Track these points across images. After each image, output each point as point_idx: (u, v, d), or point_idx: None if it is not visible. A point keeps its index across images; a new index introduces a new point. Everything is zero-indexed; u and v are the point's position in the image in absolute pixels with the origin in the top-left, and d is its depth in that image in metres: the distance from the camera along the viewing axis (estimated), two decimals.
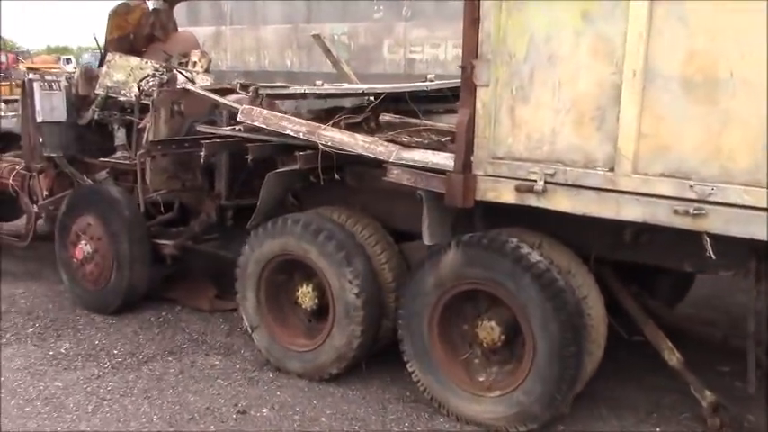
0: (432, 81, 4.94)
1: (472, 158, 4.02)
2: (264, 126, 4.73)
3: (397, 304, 4.72)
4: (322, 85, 5.06)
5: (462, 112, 4.00)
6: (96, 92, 6.82)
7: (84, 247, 6.21)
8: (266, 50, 9.06)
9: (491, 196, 4.00)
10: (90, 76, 6.98)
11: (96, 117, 6.76)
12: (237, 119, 4.80)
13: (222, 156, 6.28)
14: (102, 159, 6.80)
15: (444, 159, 4.20)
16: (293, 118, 4.71)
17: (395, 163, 4.34)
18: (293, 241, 4.79)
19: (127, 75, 6.94)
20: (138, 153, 5.95)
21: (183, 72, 6.79)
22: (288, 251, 4.85)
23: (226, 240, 6.88)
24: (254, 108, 4.78)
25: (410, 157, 4.30)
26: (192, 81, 6.88)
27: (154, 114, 6.03)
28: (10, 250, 8.04)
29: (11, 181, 7.26)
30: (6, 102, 9.01)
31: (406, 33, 8.04)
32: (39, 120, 6.71)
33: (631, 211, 3.60)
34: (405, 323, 4.42)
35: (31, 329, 5.90)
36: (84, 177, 6.82)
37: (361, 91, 4.84)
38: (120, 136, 6.90)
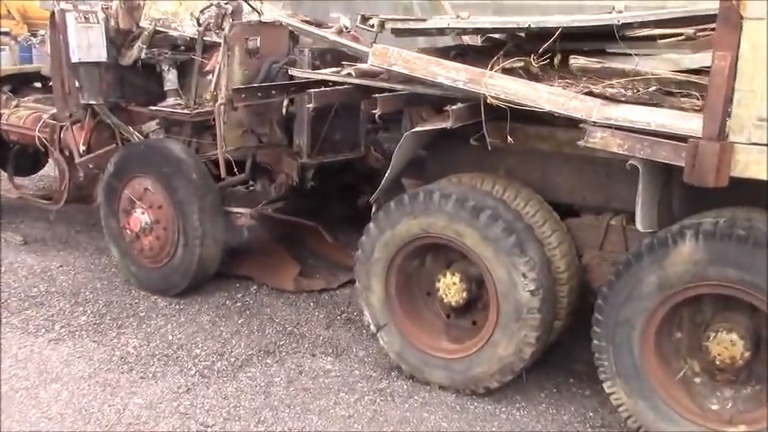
0: (620, 12, 3.82)
1: (728, 120, 2.95)
2: (407, 71, 3.60)
3: (566, 299, 3.77)
4: (468, 17, 3.92)
5: (720, 56, 2.90)
6: (141, 25, 5.59)
7: (140, 217, 5.12)
8: None
9: (754, 172, 2.95)
10: (132, 7, 5.74)
11: (143, 56, 5.56)
12: (369, 61, 3.67)
13: (303, 105, 5.19)
14: (152, 108, 5.63)
15: (674, 119, 3.14)
16: (446, 62, 3.58)
17: (598, 123, 3.25)
18: (442, 221, 3.73)
19: (177, 4, 5.70)
20: (217, 103, 4.79)
21: (249, 1, 5.58)
22: (432, 233, 3.80)
23: (300, 204, 5.83)
24: (392, 48, 3.64)
25: (621, 116, 3.22)
26: (259, 12, 5.69)
27: (227, 54, 4.88)
28: (29, 210, 6.94)
29: (37, 132, 6.09)
30: None
31: None
32: (74, 59, 5.48)
33: None
34: (605, 333, 3.40)
35: (84, 318, 4.84)
36: (131, 129, 5.66)
37: (527, 25, 3.73)
38: (171, 79, 5.71)
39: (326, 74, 4.35)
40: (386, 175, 4.16)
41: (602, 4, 6.40)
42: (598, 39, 3.85)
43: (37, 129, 6.09)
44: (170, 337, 4.57)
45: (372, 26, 3.98)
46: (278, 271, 5.36)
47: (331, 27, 5.42)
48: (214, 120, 5.26)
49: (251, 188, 5.53)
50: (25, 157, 7.17)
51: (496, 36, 4.61)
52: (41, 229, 6.68)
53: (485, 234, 3.62)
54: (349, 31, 5.46)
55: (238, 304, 5.04)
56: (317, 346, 4.46)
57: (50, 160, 7.78)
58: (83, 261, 5.88)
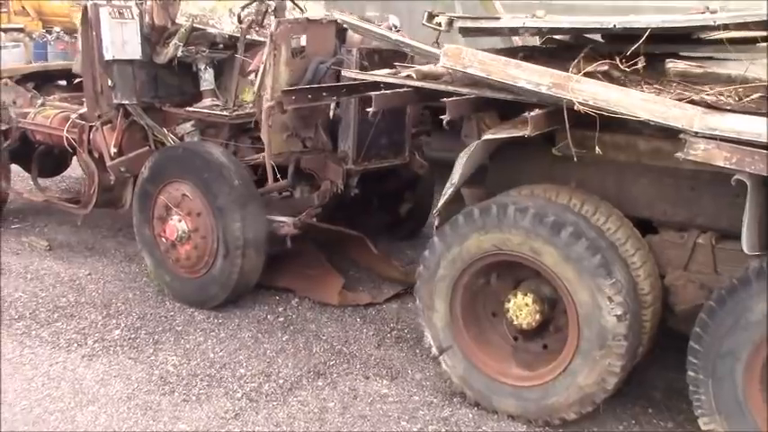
0: (715, 12, 3.51)
1: None
2: (483, 74, 3.30)
3: (649, 323, 3.47)
4: (544, 16, 3.62)
5: None
6: (178, 22, 5.30)
7: (177, 225, 4.82)
8: None
9: None
10: (167, 2, 5.46)
11: (180, 54, 5.27)
12: (441, 63, 3.36)
13: (349, 107, 4.92)
14: (188, 109, 5.34)
15: None
16: (527, 64, 3.28)
17: (700, 134, 2.95)
18: (518, 237, 3.43)
19: (215, 0, 5.42)
20: (265, 105, 4.50)
21: None
22: (505, 250, 3.50)
23: (337, 211, 5.52)
24: (465, 49, 3.34)
25: (728, 126, 2.91)
26: (302, 9, 5.41)
27: (273, 53, 4.59)
28: (52, 213, 6.69)
29: (65, 133, 5.82)
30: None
31: None
32: (108, 57, 5.21)
33: None
34: (704, 365, 3.09)
35: (117, 332, 4.56)
36: (165, 131, 5.37)
37: (611, 26, 3.43)
38: (208, 78, 5.43)
39: (384, 76, 4.05)
40: (448, 184, 3.84)
41: (660, 4, 6.14)
42: (682, 41, 3.56)
43: (65, 129, 5.83)
44: (211, 355, 4.28)
45: (439, 24, 3.68)
46: (321, 284, 5.06)
47: (380, 26, 5.14)
48: (254, 122, 5.00)
49: (285, 195, 5.25)
50: (49, 158, 6.91)
51: (558, 37, 4.33)
52: (66, 233, 6.42)
53: (566, 253, 3.32)
54: (398, 30, 5.18)
55: (281, 319, 4.75)
56: (369, 367, 4.16)
57: (75, 161, 7.56)
58: (112, 269, 5.60)
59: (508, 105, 3.66)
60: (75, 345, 4.40)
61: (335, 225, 5.43)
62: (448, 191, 3.83)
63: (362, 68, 4.78)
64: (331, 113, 4.88)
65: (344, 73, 4.26)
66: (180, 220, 4.81)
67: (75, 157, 7.43)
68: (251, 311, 4.83)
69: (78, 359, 4.23)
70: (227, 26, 5.37)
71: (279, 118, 4.64)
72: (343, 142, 5.02)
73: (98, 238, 6.31)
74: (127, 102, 5.33)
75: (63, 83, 7.45)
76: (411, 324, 4.68)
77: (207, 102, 5.38)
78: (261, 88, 4.71)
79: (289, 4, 5.30)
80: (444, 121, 3.55)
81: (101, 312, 4.83)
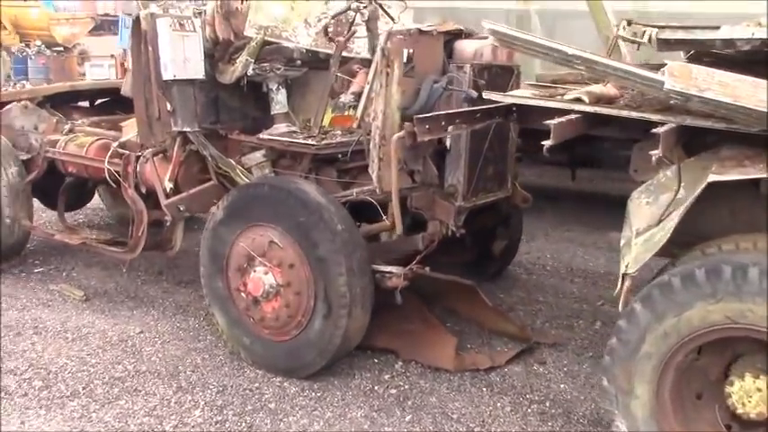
0: None
1: None
2: (728, 100, 2.55)
3: None
4: None
5: None
6: (246, 35, 4.51)
7: (263, 278, 4.00)
8: None
9: None
10: (229, 11, 4.66)
11: (250, 72, 4.47)
12: (667, 85, 2.61)
13: (460, 135, 4.18)
14: (261, 136, 4.54)
15: None
16: None
17: None
18: (764, 309, 2.66)
19: (288, 8, 4.63)
20: (395, 135, 3.70)
21: (384, 6, 4.53)
22: (743, 324, 2.73)
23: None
24: (695, 67, 2.60)
25: None
26: (394, 19, 4.65)
27: (386, 71, 3.81)
28: (76, 253, 5.86)
29: (106, 164, 4.98)
30: None
31: None
32: (167, 77, 4.40)
33: None
34: None
35: (198, 413, 3.71)
36: (233, 163, 4.55)
37: None
38: (281, 100, 4.67)
39: (541, 98, 3.29)
40: (629, 232, 3.08)
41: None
42: None
43: (106, 160, 4.99)
44: None
45: (635, 34, 2.92)
46: (430, 344, 4.26)
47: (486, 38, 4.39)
48: (350, 153, 4.24)
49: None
50: (73, 190, 6.08)
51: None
52: (100, 278, 5.59)
53: None
54: None
55: (392, 390, 3.94)
56: None
57: (97, 193, 6.74)
58: (166, 324, 4.76)
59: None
60: None
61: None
62: (633, 242, 3.06)
63: (476, 87, 4.07)
64: (447, 143, 4.11)
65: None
66: (266, 273, 3.99)
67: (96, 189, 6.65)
68: (352, 381, 4.02)
69: None
70: (303, 39, 4.60)
71: (389, 149, 3.86)
72: (451, 175, 4.28)
73: (138, 283, 5.48)
74: (188, 129, 4.51)
75: (85, 104, 6.66)
76: (547, 394, 3.93)
77: (281, 128, 4.60)
78: (365, 113, 3.94)
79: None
80: (654, 157, 2.79)
81: (169, 385, 3.99)
